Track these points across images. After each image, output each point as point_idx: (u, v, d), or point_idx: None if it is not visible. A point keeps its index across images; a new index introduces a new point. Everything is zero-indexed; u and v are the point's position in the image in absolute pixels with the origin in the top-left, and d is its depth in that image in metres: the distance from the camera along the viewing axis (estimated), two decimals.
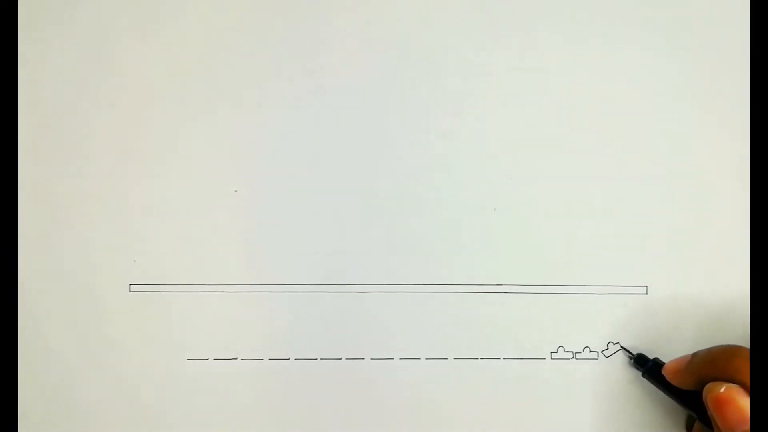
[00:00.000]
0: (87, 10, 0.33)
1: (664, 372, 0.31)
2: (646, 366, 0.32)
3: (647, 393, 0.33)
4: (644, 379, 0.32)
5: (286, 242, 0.33)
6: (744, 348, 0.28)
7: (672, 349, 0.33)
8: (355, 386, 0.32)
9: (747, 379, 0.27)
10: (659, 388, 0.31)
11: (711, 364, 0.28)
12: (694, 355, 0.30)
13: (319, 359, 0.32)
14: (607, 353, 0.33)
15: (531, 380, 0.33)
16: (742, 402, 0.27)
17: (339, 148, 0.33)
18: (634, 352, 0.32)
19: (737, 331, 0.33)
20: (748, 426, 0.26)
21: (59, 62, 0.33)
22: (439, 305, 0.33)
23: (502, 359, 0.33)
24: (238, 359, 0.32)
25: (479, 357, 0.33)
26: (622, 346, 0.33)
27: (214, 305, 0.32)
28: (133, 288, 0.32)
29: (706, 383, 0.28)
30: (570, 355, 0.33)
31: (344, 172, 0.33)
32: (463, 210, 0.33)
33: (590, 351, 0.33)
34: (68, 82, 0.33)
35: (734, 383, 0.27)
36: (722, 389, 0.27)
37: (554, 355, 0.33)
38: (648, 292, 0.33)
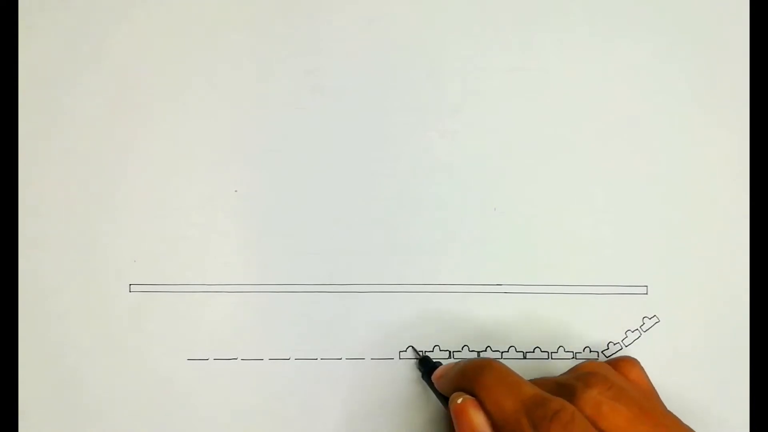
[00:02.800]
0: (87, 10, 0.33)
1: (432, 377, 0.30)
2: (425, 369, 0.31)
3: None
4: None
5: (286, 242, 0.33)
6: (493, 362, 0.27)
7: (672, 348, 0.33)
8: (356, 386, 0.32)
9: (486, 394, 0.27)
10: (434, 392, 0.31)
11: (461, 375, 0.28)
12: (457, 363, 0.29)
13: (319, 359, 0.32)
14: (607, 353, 0.33)
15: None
16: (474, 415, 0.26)
17: (339, 147, 0.33)
18: (423, 355, 0.32)
19: (737, 330, 0.33)
20: None
21: (59, 63, 0.33)
22: (439, 305, 0.33)
23: (502, 359, 0.33)
24: (238, 359, 0.32)
25: (479, 357, 0.33)
26: (412, 347, 0.32)
27: (214, 305, 0.33)
28: (133, 288, 0.32)
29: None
30: (570, 355, 0.33)
31: (344, 172, 0.33)
32: (463, 210, 0.33)
33: (590, 351, 0.33)
34: (68, 82, 0.33)
35: (474, 396, 0.27)
36: (459, 400, 0.27)
37: (554, 355, 0.33)
38: (648, 292, 0.33)
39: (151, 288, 0.32)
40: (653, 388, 0.29)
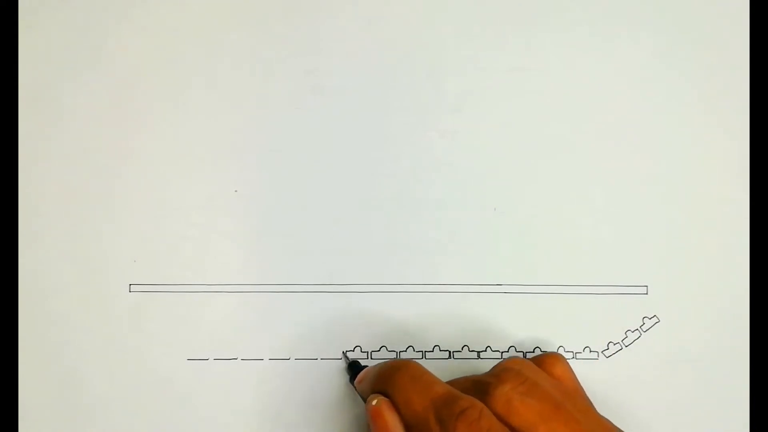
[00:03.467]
0: (87, 10, 0.33)
1: (355, 381, 0.30)
2: (353, 373, 0.31)
3: (648, 394, 0.33)
4: (647, 380, 0.32)
5: (286, 242, 0.33)
6: (409, 362, 0.27)
7: (673, 348, 0.33)
8: None
9: (398, 394, 0.26)
10: (361, 397, 0.30)
11: (378, 377, 0.28)
12: (375, 366, 0.29)
13: (319, 359, 0.32)
14: (607, 353, 0.33)
15: None
16: (388, 417, 0.26)
17: (339, 147, 0.33)
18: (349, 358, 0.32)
19: (737, 330, 0.33)
20: None
21: (59, 62, 0.33)
22: (439, 305, 0.33)
23: (501, 359, 0.33)
24: (238, 359, 0.32)
25: (479, 357, 0.33)
26: (343, 352, 0.32)
27: (214, 305, 0.33)
28: (133, 288, 0.32)
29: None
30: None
31: (344, 172, 0.33)
32: (463, 210, 0.33)
33: (590, 351, 0.33)
34: (68, 82, 0.33)
35: (388, 396, 0.27)
36: (374, 402, 0.27)
37: None
38: (648, 292, 0.33)
39: (151, 288, 0.32)
40: (578, 385, 0.29)
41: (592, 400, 0.29)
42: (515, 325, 0.33)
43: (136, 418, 0.32)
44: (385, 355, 0.33)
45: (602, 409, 0.28)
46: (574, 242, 0.33)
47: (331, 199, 0.33)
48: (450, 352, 0.33)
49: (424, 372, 0.27)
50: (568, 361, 0.30)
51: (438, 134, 0.33)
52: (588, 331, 0.33)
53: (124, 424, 0.32)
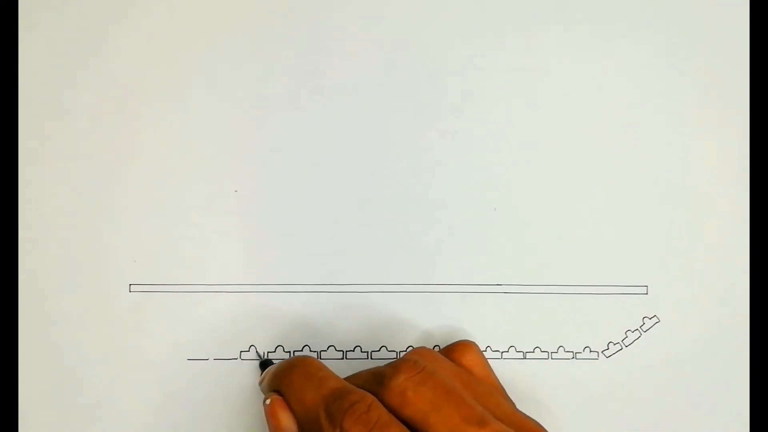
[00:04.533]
0: (87, 9, 0.33)
1: (259, 380, 0.30)
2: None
3: (648, 394, 0.33)
4: (647, 380, 0.32)
5: (286, 242, 0.33)
6: (306, 359, 0.28)
7: (673, 348, 0.33)
8: None
9: (291, 392, 0.27)
10: None
11: (274, 375, 0.28)
12: (274, 365, 0.29)
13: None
14: (607, 353, 0.33)
15: (531, 380, 0.33)
16: (280, 415, 0.26)
17: (339, 147, 0.33)
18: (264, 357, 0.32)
19: (737, 330, 0.33)
20: None
21: (59, 62, 0.33)
22: (439, 305, 0.33)
23: (502, 359, 0.33)
24: (238, 359, 0.32)
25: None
26: (256, 350, 0.32)
27: (214, 305, 0.32)
28: (133, 288, 0.32)
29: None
30: (570, 355, 0.33)
31: (344, 172, 0.33)
32: (463, 210, 0.33)
33: (590, 351, 0.33)
34: (68, 82, 0.33)
35: (283, 395, 0.27)
36: (267, 401, 0.27)
37: (554, 355, 0.33)
38: (648, 292, 0.33)
39: (151, 288, 0.32)
40: (490, 372, 0.29)
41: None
42: (515, 325, 0.33)
43: (136, 418, 0.32)
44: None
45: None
46: (574, 242, 0.33)
47: (331, 199, 0.33)
48: None
49: (320, 368, 0.27)
50: (480, 349, 0.30)
51: (438, 134, 0.33)
52: (588, 331, 0.33)
53: (124, 424, 0.32)
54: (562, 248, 0.33)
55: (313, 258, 0.33)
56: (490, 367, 0.29)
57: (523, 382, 0.33)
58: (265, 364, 0.31)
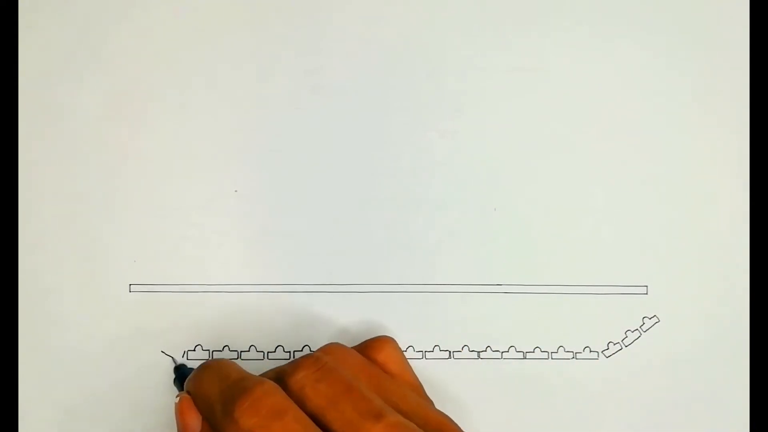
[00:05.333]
0: (87, 9, 0.33)
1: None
2: (176, 376, 0.31)
3: (648, 394, 0.33)
4: (647, 380, 0.32)
5: (286, 242, 0.33)
6: (215, 360, 0.27)
7: (673, 348, 0.33)
8: None
9: (197, 389, 0.27)
10: None
11: (189, 378, 0.28)
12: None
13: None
14: (607, 353, 0.33)
15: (531, 380, 0.33)
16: (187, 413, 0.27)
17: (339, 147, 0.33)
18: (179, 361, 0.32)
19: (737, 330, 0.33)
20: None
21: (59, 63, 0.33)
22: (439, 305, 0.33)
23: (501, 359, 0.33)
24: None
25: (479, 357, 0.33)
26: (167, 353, 0.32)
27: (214, 305, 0.33)
28: (133, 288, 0.32)
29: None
30: (570, 355, 0.33)
31: (344, 172, 0.33)
32: (463, 210, 0.33)
33: (590, 351, 0.33)
34: (67, 82, 0.33)
35: (192, 395, 0.27)
36: (176, 399, 0.27)
37: (554, 355, 0.33)
38: (648, 292, 0.33)
39: (151, 288, 0.32)
40: (405, 368, 0.29)
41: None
42: (515, 325, 0.33)
43: (136, 418, 0.32)
44: None
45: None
46: (574, 242, 0.33)
47: (331, 199, 0.33)
48: (450, 352, 0.33)
49: (227, 365, 0.27)
50: (398, 345, 0.29)
51: (438, 134, 0.33)
52: (588, 331, 0.33)
53: (124, 424, 0.32)
54: (562, 248, 0.33)
55: (313, 258, 0.33)
56: (407, 363, 0.29)
57: (522, 382, 0.33)
58: (179, 368, 0.31)
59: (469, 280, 0.33)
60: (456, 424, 0.26)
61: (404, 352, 0.32)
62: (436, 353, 0.33)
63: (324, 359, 0.26)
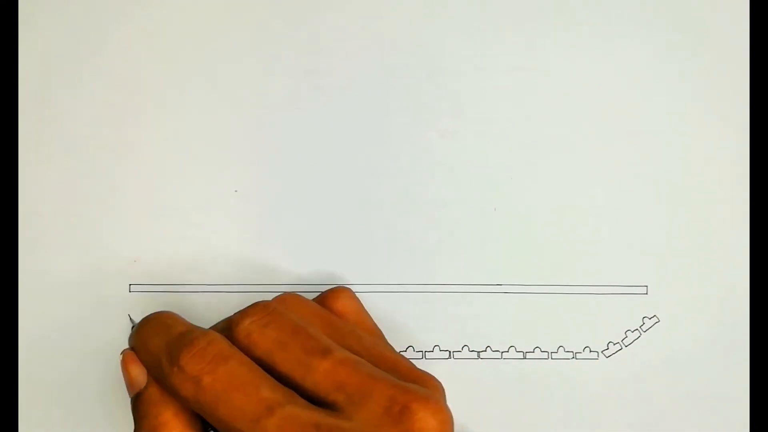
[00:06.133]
0: (87, 9, 0.33)
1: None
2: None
3: (648, 394, 0.33)
4: (647, 380, 0.32)
5: (286, 242, 0.33)
6: (156, 313, 0.28)
7: (672, 348, 0.33)
8: None
9: (141, 343, 0.27)
10: None
11: (133, 334, 0.28)
12: None
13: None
14: (607, 353, 0.33)
15: (531, 380, 0.33)
16: (131, 367, 0.27)
17: (339, 147, 0.33)
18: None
19: (737, 330, 0.33)
20: (135, 390, 0.27)
21: (59, 63, 0.33)
22: (439, 305, 0.33)
23: (501, 359, 0.33)
24: None
25: (479, 357, 0.33)
26: (131, 317, 0.31)
27: (214, 305, 0.32)
28: (133, 288, 0.32)
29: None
30: (570, 355, 0.33)
31: (344, 172, 0.33)
32: (463, 210, 0.33)
33: (590, 351, 0.33)
34: (67, 82, 0.33)
35: (135, 350, 0.27)
36: (120, 357, 0.27)
37: (554, 355, 0.33)
38: (648, 292, 0.33)
39: (151, 288, 0.32)
40: (364, 317, 0.29)
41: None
42: (515, 325, 0.33)
43: None
44: None
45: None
46: (574, 242, 0.33)
47: (331, 199, 0.33)
48: (450, 352, 0.33)
49: (170, 317, 0.27)
50: (355, 294, 0.30)
51: (438, 134, 0.33)
52: (588, 331, 0.33)
53: (124, 424, 0.32)
54: (561, 248, 0.33)
55: (313, 258, 0.33)
56: (365, 311, 0.29)
57: (523, 382, 0.33)
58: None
59: (469, 280, 0.33)
60: (413, 365, 0.26)
61: (404, 352, 0.33)
62: (436, 353, 0.33)
63: (273, 306, 0.26)
